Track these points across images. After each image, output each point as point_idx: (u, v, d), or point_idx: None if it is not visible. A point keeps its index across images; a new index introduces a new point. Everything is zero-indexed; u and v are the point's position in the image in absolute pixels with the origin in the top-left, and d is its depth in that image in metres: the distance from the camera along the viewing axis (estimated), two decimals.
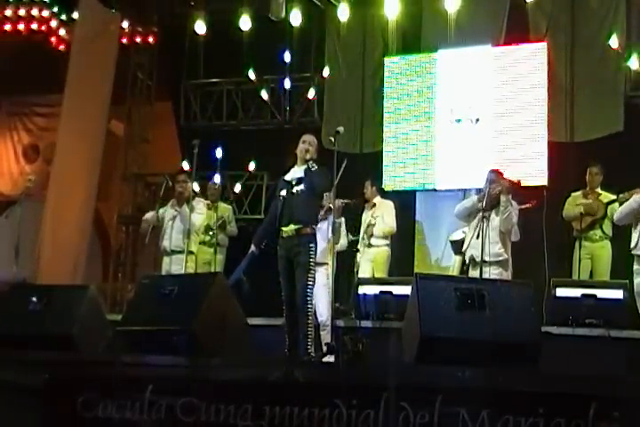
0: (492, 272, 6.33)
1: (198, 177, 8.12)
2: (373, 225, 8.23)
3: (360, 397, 3.63)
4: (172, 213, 7.65)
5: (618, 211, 6.71)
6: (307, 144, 6.11)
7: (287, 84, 10.30)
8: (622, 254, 6.77)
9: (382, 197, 8.60)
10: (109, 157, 10.79)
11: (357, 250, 8.16)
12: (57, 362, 4.28)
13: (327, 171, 6.05)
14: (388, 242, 8.33)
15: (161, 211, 7.74)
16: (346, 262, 7.92)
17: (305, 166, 6.07)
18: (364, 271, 8.14)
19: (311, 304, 5.93)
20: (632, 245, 6.43)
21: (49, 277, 9.15)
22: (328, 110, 10.24)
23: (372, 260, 8.23)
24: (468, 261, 6.58)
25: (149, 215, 7.80)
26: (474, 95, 9.32)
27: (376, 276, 8.07)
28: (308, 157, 6.03)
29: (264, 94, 10.50)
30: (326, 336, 6.62)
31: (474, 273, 6.41)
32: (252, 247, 6.20)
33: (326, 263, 6.99)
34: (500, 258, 6.48)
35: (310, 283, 5.88)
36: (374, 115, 9.95)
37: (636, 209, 6.31)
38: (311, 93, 10.26)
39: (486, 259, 6.26)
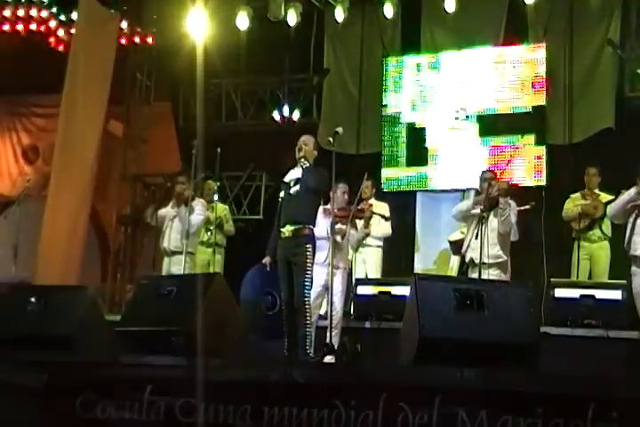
0: (490, 274, 6.33)
1: (197, 178, 8.11)
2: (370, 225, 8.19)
3: (359, 397, 3.63)
4: (172, 214, 7.66)
5: (610, 206, 6.39)
6: (300, 144, 6.10)
7: (286, 84, 10.31)
8: (621, 255, 6.73)
9: (376, 198, 8.57)
10: (108, 157, 10.77)
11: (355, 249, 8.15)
12: (56, 363, 4.27)
13: (324, 170, 5.99)
14: (381, 243, 8.31)
15: (162, 211, 7.75)
16: None
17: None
18: (357, 271, 8.12)
19: (309, 305, 5.90)
20: (625, 244, 6.28)
21: (47, 277, 9.14)
22: (326, 111, 10.24)
23: (365, 260, 8.17)
24: (467, 263, 6.57)
25: (163, 211, 7.81)
26: (473, 96, 9.33)
27: (369, 276, 8.04)
28: (299, 155, 6.02)
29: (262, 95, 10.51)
30: (335, 338, 6.52)
31: (473, 275, 6.41)
32: (266, 258, 6.14)
33: (343, 268, 6.82)
34: (499, 260, 6.47)
35: (307, 283, 5.85)
36: (372, 115, 9.95)
37: (627, 201, 5.96)
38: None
39: (485, 261, 6.25)
